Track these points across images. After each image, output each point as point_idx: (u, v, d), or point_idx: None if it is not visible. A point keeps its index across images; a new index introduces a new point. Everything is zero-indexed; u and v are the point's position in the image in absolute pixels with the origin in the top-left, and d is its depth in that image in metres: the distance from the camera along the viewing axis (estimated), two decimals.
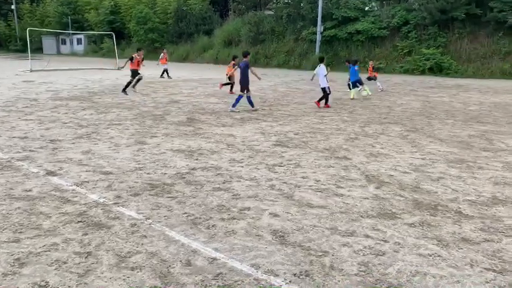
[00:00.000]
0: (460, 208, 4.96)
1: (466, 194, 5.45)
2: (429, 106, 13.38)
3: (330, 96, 12.87)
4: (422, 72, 25.31)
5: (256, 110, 11.93)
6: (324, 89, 12.60)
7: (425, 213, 4.78)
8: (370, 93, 15.28)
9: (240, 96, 11.94)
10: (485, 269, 3.61)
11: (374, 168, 6.51)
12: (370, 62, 18.65)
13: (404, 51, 27.24)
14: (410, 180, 5.97)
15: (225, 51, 35.94)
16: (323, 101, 12.82)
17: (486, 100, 14.93)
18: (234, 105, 11.93)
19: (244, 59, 11.99)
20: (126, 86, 15.43)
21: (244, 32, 34.88)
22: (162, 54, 22.85)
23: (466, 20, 25.43)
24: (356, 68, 15.00)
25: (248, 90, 11.91)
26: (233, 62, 15.85)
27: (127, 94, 15.10)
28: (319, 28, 29.70)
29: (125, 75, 23.67)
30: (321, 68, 12.53)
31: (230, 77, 16.06)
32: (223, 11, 42.33)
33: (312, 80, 13.82)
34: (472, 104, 14.02)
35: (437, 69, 25.16)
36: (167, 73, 22.00)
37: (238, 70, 12.25)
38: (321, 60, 13.07)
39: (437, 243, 4.07)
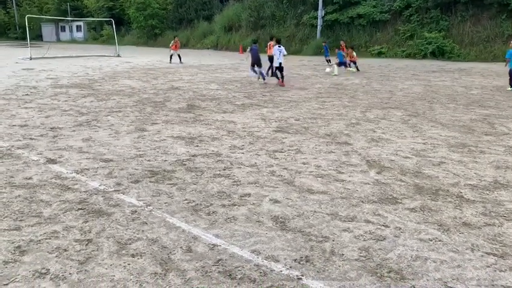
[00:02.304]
0: (461, 192, 4.94)
1: (468, 178, 5.43)
2: (431, 90, 13.29)
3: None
4: (424, 57, 25.12)
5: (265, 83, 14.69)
6: (281, 65, 14.32)
7: (427, 198, 4.77)
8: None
9: (261, 72, 15.19)
10: (486, 253, 3.60)
11: (375, 154, 6.48)
12: (342, 42, 21.36)
13: (406, 35, 26.98)
14: (411, 165, 5.95)
15: (225, 36, 35.68)
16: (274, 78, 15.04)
17: (488, 84, 14.82)
18: (264, 78, 15.18)
19: (254, 45, 15.50)
20: (269, 70, 16.36)
21: (245, 17, 34.55)
22: (172, 41, 23.79)
23: (468, 2, 25.11)
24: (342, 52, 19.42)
25: (261, 66, 15.15)
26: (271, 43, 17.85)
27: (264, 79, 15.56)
28: (320, 12, 29.40)
29: (125, 62, 23.64)
30: (282, 49, 14.33)
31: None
32: None
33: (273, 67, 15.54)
34: (474, 88, 13.91)
35: (440, 53, 24.95)
36: (179, 58, 23.18)
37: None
38: (279, 42, 14.82)
39: (438, 227, 4.06)
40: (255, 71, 15.34)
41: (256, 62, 15.12)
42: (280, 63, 14.28)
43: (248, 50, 16.03)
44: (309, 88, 13.79)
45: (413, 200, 4.71)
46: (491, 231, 3.99)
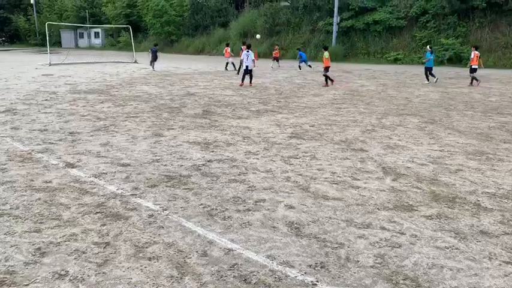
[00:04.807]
0: (478, 200, 4.89)
1: (485, 186, 5.37)
2: (448, 97, 13.16)
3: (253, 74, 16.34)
4: (441, 63, 24.87)
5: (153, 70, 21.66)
6: (249, 69, 15.93)
7: (443, 206, 4.73)
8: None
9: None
10: (504, 262, 3.56)
11: (391, 160, 6.45)
12: (276, 47, 25.51)
13: (423, 42, 26.78)
14: (427, 172, 5.90)
15: (240, 43, 35.85)
16: (246, 79, 16.18)
17: (507, 91, 14.62)
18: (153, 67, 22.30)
19: (156, 47, 23.02)
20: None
21: (260, 24, 34.74)
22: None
23: (487, 8, 24.83)
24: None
25: (155, 61, 22.42)
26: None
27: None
28: (336, 19, 29.38)
29: (141, 68, 23.94)
30: (250, 53, 16.03)
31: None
32: (238, 2, 42.17)
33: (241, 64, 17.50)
34: (493, 95, 13.73)
35: (457, 60, 24.69)
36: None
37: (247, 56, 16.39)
38: (249, 47, 16.56)
39: (455, 235, 4.02)
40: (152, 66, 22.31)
41: (153, 59, 22.26)
42: (247, 67, 15.96)
43: (149, 50, 22.55)
44: (324, 94, 13.78)
45: (429, 208, 4.68)
46: (509, 240, 3.94)
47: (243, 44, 20.65)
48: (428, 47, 17.68)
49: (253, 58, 16.28)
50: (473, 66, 15.96)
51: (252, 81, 16.29)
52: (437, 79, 16.76)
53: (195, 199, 4.89)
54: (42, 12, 60.55)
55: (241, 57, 16.68)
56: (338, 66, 25.38)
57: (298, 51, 24.23)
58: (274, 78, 18.96)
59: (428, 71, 16.87)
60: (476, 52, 15.90)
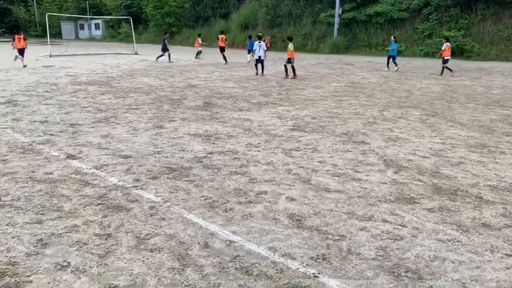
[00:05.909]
0: (480, 193, 4.88)
1: (487, 179, 5.35)
2: (450, 90, 13.11)
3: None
4: None
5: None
6: (261, 59, 16.71)
7: (445, 198, 4.72)
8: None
9: (161, 55, 22.91)
10: (506, 255, 3.56)
11: (392, 153, 6.43)
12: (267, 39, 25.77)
13: (425, 34, 26.61)
14: (429, 164, 5.89)
15: (241, 35, 35.69)
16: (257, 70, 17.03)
17: (509, 83, 14.56)
18: (157, 59, 22.89)
19: (165, 35, 23.65)
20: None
21: (261, 15, 34.54)
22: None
23: (489, 0, 24.64)
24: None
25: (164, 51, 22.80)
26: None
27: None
28: (338, 10, 29.19)
29: (142, 60, 23.86)
30: (262, 44, 16.80)
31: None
32: None
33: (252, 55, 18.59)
34: (495, 87, 13.68)
35: (459, 52, 24.52)
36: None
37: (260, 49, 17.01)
38: (260, 38, 17.64)
39: (457, 228, 4.02)
40: (161, 55, 22.78)
41: (162, 49, 22.71)
42: (259, 57, 16.76)
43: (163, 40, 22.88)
44: (326, 86, 13.74)
45: (431, 200, 4.67)
46: (511, 232, 3.94)
47: (221, 33, 23.82)
48: (392, 37, 19.90)
49: (265, 49, 17.04)
50: (445, 58, 16.94)
51: (264, 72, 16.90)
52: (397, 68, 18.46)
53: (196, 191, 4.89)
54: (42, 3, 60.22)
55: (254, 48, 17.56)
56: (340, 58, 25.29)
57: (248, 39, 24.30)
58: (276, 70, 18.88)
59: (392, 59, 18.68)
60: (448, 44, 17.11)
